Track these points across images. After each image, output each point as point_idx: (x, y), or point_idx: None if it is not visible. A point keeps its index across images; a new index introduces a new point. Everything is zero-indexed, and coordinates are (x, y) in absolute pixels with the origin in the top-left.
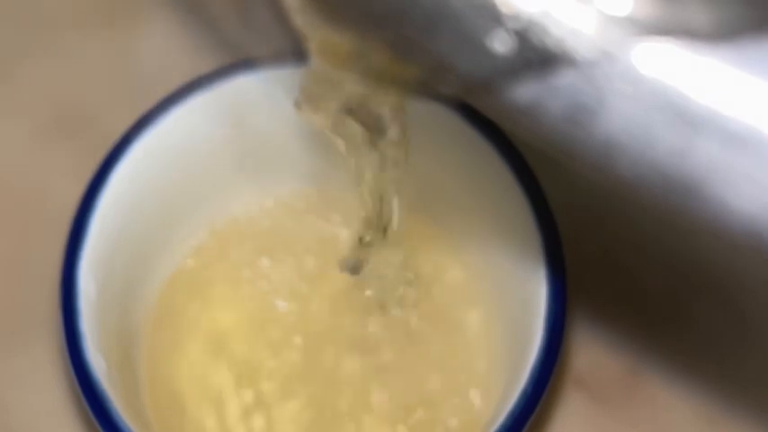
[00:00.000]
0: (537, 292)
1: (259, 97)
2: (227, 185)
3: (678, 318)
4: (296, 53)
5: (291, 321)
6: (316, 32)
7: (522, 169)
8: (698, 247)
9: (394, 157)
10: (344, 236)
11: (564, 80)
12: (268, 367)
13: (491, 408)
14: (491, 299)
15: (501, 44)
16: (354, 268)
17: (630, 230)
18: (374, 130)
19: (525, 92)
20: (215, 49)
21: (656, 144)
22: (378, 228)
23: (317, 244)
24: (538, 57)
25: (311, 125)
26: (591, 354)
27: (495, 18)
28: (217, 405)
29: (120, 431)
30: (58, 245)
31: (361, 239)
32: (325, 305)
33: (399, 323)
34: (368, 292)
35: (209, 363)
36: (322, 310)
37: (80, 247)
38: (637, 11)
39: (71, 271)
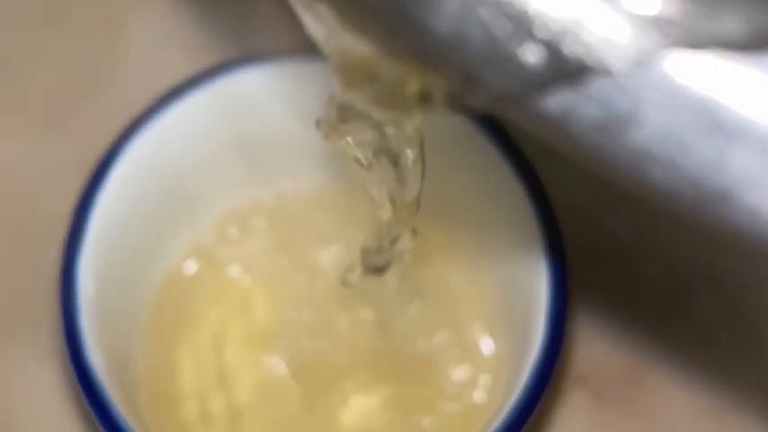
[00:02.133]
0: (538, 289)
1: (259, 93)
2: (225, 183)
3: (679, 314)
4: (295, 49)
5: (290, 319)
6: (333, 42)
7: (524, 168)
8: (699, 244)
9: (410, 180)
10: (345, 233)
11: (596, 89)
12: (265, 365)
13: (493, 404)
14: (492, 296)
15: (531, 54)
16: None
17: (632, 229)
18: (393, 158)
19: (556, 101)
20: (213, 44)
21: (691, 153)
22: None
23: (317, 241)
24: (569, 66)
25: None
26: (593, 351)
27: (525, 28)
28: (214, 403)
29: (120, 428)
30: (56, 243)
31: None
32: (326, 301)
33: (399, 317)
34: (369, 287)
35: (207, 361)
36: (321, 307)
37: (79, 244)
38: (670, 20)
39: (70, 268)
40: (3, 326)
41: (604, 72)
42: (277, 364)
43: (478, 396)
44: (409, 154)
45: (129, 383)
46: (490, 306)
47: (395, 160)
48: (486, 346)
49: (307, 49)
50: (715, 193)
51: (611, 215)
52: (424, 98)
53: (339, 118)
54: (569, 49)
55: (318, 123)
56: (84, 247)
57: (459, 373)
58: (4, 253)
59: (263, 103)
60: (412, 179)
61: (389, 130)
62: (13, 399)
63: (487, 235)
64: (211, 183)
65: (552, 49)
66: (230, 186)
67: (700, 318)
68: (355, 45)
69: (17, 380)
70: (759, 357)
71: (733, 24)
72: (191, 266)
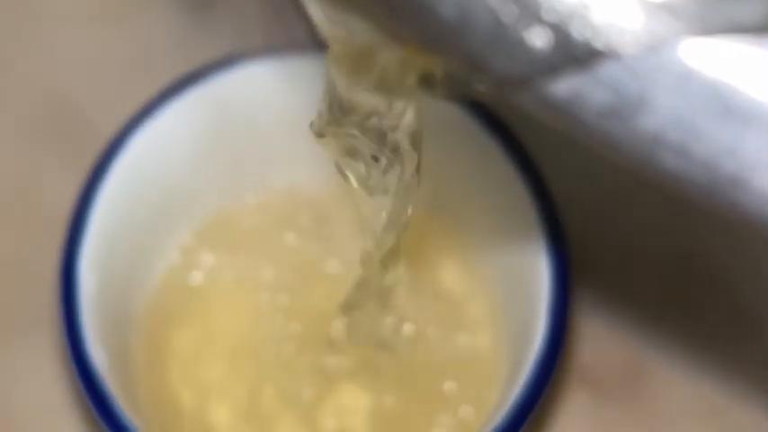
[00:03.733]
0: (540, 284)
1: (253, 92)
2: (222, 181)
3: (682, 310)
4: (287, 47)
5: (285, 317)
6: (333, 29)
7: (525, 161)
8: (702, 237)
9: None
10: (336, 232)
11: (606, 74)
12: (262, 361)
13: (494, 401)
14: (494, 292)
15: (539, 38)
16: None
17: (635, 223)
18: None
19: (564, 86)
20: (207, 43)
21: (703, 138)
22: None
23: (310, 239)
24: (578, 50)
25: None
26: (595, 348)
27: (532, 11)
28: (212, 400)
29: (120, 423)
30: (55, 241)
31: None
32: (319, 300)
33: (400, 315)
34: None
35: (205, 357)
36: (315, 306)
37: (80, 240)
38: (683, 3)
39: (71, 264)
40: (5, 323)
41: (614, 56)
42: (274, 363)
43: (479, 393)
44: (406, 150)
45: (129, 379)
46: (490, 301)
47: (390, 156)
48: (487, 341)
49: (299, 46)
50: (728, 178)
51: (614, 209)
52: (425, 83)
53: (332, 116)
54: (578, 32)
55: (312, 124)
56: (84, 242)
57: (459, 369)
58: (2, 250)
59: (255, 102)
60: (408, 175)
61: (385, 126)
62: (14, 394)
63: (487, 229)
64: (208, 180)
65: (560, 32)
66: (226, 184)
67: (703, 313)
68: (357, 32)
69: (19, 375)
70: (763, 354)
71: (747, 7)
72: (189, 264)
